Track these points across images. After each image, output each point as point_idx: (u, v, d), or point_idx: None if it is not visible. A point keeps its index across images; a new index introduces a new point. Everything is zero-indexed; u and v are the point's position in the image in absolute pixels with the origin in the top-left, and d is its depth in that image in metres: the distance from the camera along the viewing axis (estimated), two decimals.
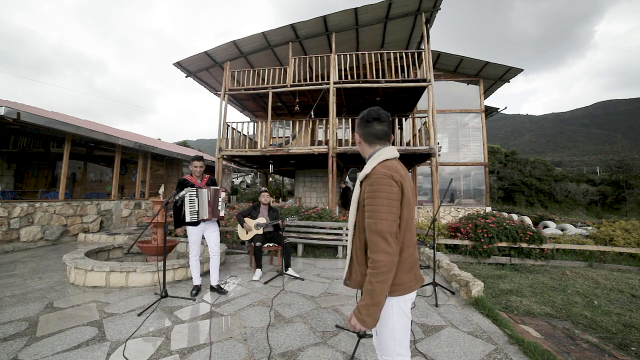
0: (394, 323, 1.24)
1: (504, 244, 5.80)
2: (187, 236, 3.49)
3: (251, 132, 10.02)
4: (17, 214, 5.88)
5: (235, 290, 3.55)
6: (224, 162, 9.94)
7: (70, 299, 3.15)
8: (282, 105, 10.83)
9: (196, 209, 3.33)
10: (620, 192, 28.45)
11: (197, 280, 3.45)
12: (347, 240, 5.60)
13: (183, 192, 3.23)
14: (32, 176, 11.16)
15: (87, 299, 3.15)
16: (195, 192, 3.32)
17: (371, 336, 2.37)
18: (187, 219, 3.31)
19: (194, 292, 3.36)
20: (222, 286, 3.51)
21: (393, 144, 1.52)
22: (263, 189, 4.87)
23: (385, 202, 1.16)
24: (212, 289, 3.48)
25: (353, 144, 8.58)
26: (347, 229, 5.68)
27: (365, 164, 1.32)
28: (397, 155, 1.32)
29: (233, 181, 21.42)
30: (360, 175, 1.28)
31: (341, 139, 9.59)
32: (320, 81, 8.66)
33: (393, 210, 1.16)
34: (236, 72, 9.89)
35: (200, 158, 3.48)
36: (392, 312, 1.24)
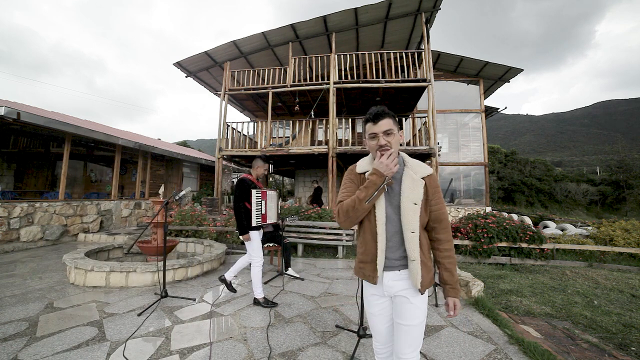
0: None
1: (504, 244, 5.80)
2: (242, 243, 3.24)
3: (251, 132, 10.03)
4: (17, 214, 5.88)
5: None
6: (224, 162, 9.94)
7: (70, 299, 3.15)
8: (282, 105, 10.84)
9: (262, 212, 3.10)
10: (620, 192, 28.46)
11: (262, 293, 3.05)
12: (347, 240, 5.60)
13: (183, 191, 3.23)
14: (32, 176, 11.16)
15: (87, 299, 3.15)
16: (260, 195, 3.09)
17: (371, 336, 2.37)
18: (254, 223, 3.01)
19: (269, 304, 2.99)
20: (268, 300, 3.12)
21: None
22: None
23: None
24: (255, 302, 3.08)
25: (353, 144, 8.59)
26: (347, 229, 5.68)
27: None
28: None
29: (233, 181, 21.44)
30: (421, 172, 1.31)
31: (341, 139, 9.60)
32: (320, 81, 8.66)
33: None
34: (236, 72, 9.90)
35: (267, 159, 3.24)
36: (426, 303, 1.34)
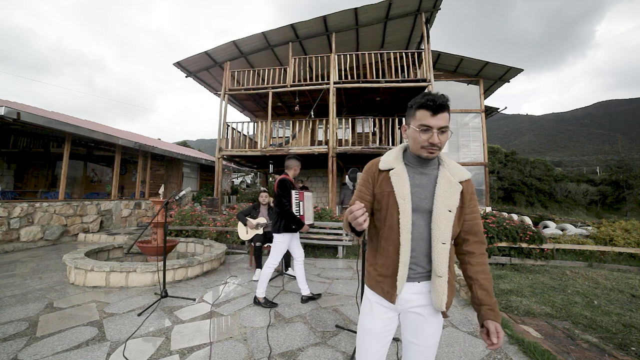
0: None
1: (504, 244, 5.80)
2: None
3: (251, 132, 10.03)
4: (17, 214, 5.88)
5: (235, 290, 3.55)
6: (224, 162, 9.94)
7: (70, 299, 3.15)
8: (282, 105, 10.83)
9: (301, 214, 3.04)
10: (620, 192, 28.46)
11: (263, 293, 3.05)
12: (347, 240, 5.60)
13: (183, 191, 3.23)
14: (32, 176, 11.17)
15: (87, 299, 3.15)
16: (298, 196, 3.06)
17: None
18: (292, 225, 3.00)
19: (268, 305, 3.00)
20: (313, 293, 3.21)
21: (393, 144, 1.37)
22: (262, 189, 4.88)
23: None
24: (303, 300, 3.14)
25: (353, 144, 8.60)
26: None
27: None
28: None
29: (233, 181, 21.43)
30: (460, 175, 1.12)
31: (341, 139, 9.61)
32: (320, 81, 8.66)
33: None
34: (236, 72, 9.90)
35: (299, 158, 3.22)
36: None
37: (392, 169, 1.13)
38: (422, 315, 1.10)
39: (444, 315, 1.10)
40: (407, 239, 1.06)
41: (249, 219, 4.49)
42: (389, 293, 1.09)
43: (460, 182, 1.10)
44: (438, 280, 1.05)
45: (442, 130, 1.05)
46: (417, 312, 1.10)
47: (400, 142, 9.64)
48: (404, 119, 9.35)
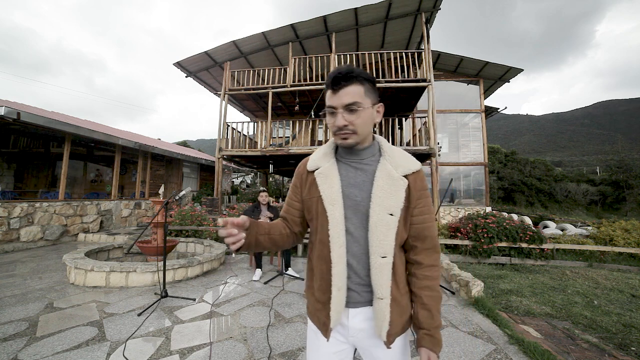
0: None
1: (504, 244, 5.80)
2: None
3: (251, 132, 10.03)
4: (17, 214, 5.88)
5: (235, 290, 3.55)
6: (224, 162, 9.94)
7: (70, 299, 3.15)
8: (282, 105, 10.83)
9: None
10: (620, 192, 28.45)
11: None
12: None
13: (183, 191, 3.23)
14: (32, 176, 11.17)
15: (87, 299, 3.15)
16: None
17: None
18: None
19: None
20: None
21: (393, 143, 1.09)
22: (262, 189, 4.88)
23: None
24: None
25: None
26: None
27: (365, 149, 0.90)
28: None
29: (233, 181, 21.43)
30: (404, 167, 0.88)
31: None
32: (320, 81, 8.66)
33: None
34: (236, 72, 9.90)
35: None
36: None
37: (318, 169, 0.91)
38: (381, 348, 0.86)
39: (387, 344, 0.85)
40: (339, 255, 0.84)
41: (260, 219, 4.47)
42: (324, 325, 0.87)
43: (406, 176, 0.87)
44: (378, 303, 0.83)
45: (350, 108, 0.81)
46: (374, 345, 0.88)
47: (400, 142, 9.65)
48: (403, 119, 9.31)
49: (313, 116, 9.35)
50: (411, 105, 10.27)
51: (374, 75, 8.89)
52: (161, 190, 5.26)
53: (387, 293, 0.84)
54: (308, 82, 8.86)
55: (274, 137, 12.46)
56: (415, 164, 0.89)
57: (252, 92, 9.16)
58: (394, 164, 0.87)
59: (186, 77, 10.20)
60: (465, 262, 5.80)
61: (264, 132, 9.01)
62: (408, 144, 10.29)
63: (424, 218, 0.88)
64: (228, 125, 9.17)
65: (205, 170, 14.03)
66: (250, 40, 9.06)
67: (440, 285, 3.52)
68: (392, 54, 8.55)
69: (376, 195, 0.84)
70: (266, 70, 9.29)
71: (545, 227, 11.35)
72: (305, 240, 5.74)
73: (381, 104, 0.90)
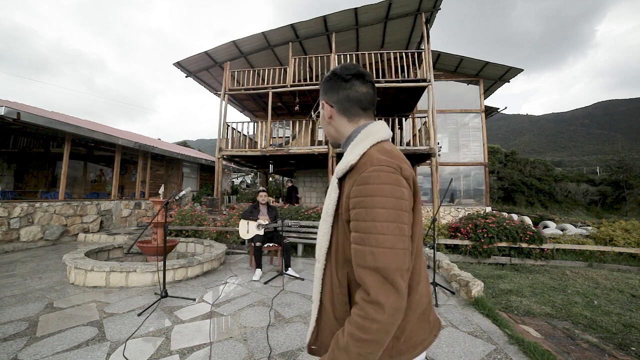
0: None
1: (504, 244, 5.80)
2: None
3: (251, 132, 10.03)
4: (17, 214, 5.88)
5: (235, 290, 3.55)
6: (224, 162, 9.94)
7: (70, 299, 3.15)
8: (282, 105, 10.83)
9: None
10: (620, 192, 28.45)
11: None
12: None
13: (183, 191, 3.24)
14: (32, 176, 11.17)
15: (87, 299, 3.15)
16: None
17: None
18: None
19: None
20: None
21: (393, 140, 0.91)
22: (261, 188, 4.89)
23: (391, 216, 0.64)
24: None
25: None
26: None
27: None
28: (391, 134, 0.82)
29: (233, 181, 21.44)
30: (339, 169, 0.75)
31: None
32: (320, 81, 8.66)
33: (404, 230, 0.65)
34: (236, 72, 9.90)
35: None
36: None
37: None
38: None
39: (309, 351, 0.80)
40: (319, 262, 0.79)
41: (259, 219, 4.46)
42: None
43: (340, 177, 0.75)
44: (313, 310, 0.80)
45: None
46: None
47: (400, 142, 9.64)
48: (403, 119, 9.28)
49: (313, 116, 9.35)
50: (411, 105, 10.27)
51: (374, 75, 8.89)
52: (161, 190, 5.26)
53: (316, 297, 0.79)
54: (308, 82, 8.86)
55: (274, 137, 12.46)
56: (351, 159, 0.72)
57: (252, 92, 9.16)
58: (341, 166, 0.75)
59: (186, 77, 10.20)
60: (465, 262, 5.80)
61: (264, 132, 9.01)
62: (408, 144, 10.28)
63: (354, 236, 0.67)
64: (228, 125, 9.17)
65: (205, 170, 14.03)
66: (250, 40, 9.06)
67: (441, 285, 3.54)
68: (392, 54, 8.54)
69: (326, 197, 0.79)
70: (266, 70, 9.29)
71: (545, 227, 11.35)
72: (303, 240, 5.73)
73: (326, 100, 0.84)
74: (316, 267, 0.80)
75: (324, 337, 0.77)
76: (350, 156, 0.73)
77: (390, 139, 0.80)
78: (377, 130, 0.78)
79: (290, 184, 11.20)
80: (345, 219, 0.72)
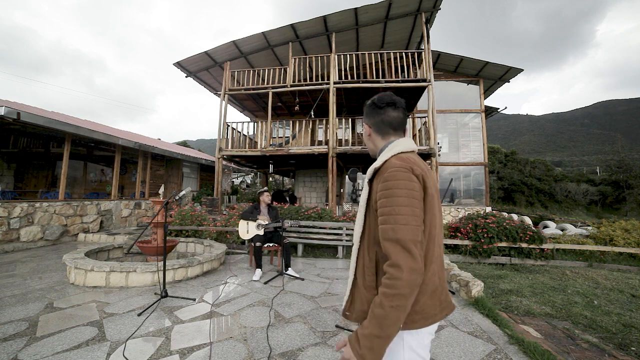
0: None
1: (504, 244, 5.80)
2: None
3: (251, 132, 10.03)
4: (17, 214, 5.88)
5: (235, 290, 3.55)
6: (224, 162, 9.94)
7: (70, 299, 3.15)
8: (282, 105, 10.83)
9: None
10: (620, 192, 28.46)
11: None
12: (347, 240, 5.60)
13: (183, 191, 3.23)
14: (32, 176, 11.16)
15: (87, 299, 3.15)
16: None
17: None
18: None
19: None
20: None
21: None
22: (264, 189, 4.88)
23: (405, 202, 0.87)
24: None
25: (353, 143, 8.59)
26: (347, 229, 5.68)
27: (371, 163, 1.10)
28: (416, 148, 1.07)
29: (233, 181, 21.44)
30: (369, 172, 1.01)
31: (341, 139, 9.60)
32: (320, 81, 8.66)
33: (416, 212, 0.88)
34: (236, 72, 9.90)
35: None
36: (403, 352, 0.92)
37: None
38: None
39: (345, 316, 1.03)
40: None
41: (259, 219, 4.46)
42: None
43: (370, 179, 1.00)
44: (350, 281, 1.04)
45: None
46: None
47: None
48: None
49: (313, 116, 9.35)
50: (411, 105, 10.27)
51: (374, 75, 8.89)
52: (161, 190, 5.27)
53: (352, 272, 1.03)
54: (308, 82, 8.85)
55: (274, 137, 12.46)
56: (374, 165, 1.00)
57: (252, 92, 9.16)
58: (370, 169, 1.01)
59: (186, 77, 10.20)
60: (465, 262, 5.80)
61: (264, 132, 9.01)
62: None
63: (380, 219, 0.90)
64: (228, 125, 9.17)
65: (205, 170, 14.03)
66: (250, 40, 9.06)
67: None
68: (392, 54, 8.54)
69: (361, 194, 1.04)
70: (266, 70, 9.28)
71: (545, 227, 11.35)
72: (303, 240, 5.73)
73: (366, 122, 1.13)
74: (353, 248, 1.05)
75: (356, 305, 0.99)
76: (377, 163, 1.00)
77: (414, 150, 1.04)
78: (399, 144, 1.03)
79: (290, 192, 11.63)
80: (374, 209, 0.96)
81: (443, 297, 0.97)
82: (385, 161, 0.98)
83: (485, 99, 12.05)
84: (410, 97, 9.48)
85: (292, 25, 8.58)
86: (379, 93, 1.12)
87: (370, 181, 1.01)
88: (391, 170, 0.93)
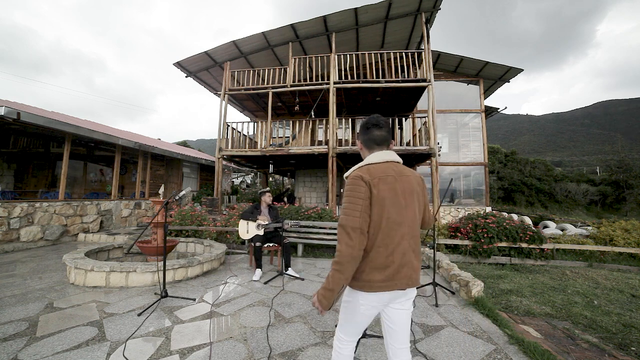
0: (346, 309, 1.36)
1: (504, 244, 5.80)
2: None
3: (251, 132, 10.03)
4: (17, 214, 5.88)
5: (235, 290, 3.55)
6: (224, 162, 9.94)
7: (70, 299, 3.15)
8: (282, 105, 10.83)
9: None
10: (620, 192, 28.44)
11: None
12: None
13: (183, 191, 3.23)
14: (32, 176, 11.17)
15: (87, 299, 3.15)
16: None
17: (372, 336, 2.37)
18: None
19: None
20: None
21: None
22: (266, 189, 4.88)
23: (350, 200, 1.25)
24: None
25: (353, 144, 8.59)
26: None
27: None
28: (388, 159, 1.34)
29: (233, 181, 21.44)
30: (345, 178, 1.40)
31: (341, 139, 9.60)
32: (320, 81, 8.66)
33: (357, 207, 1.23)
34: (236, 72, 9.90)
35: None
36: (352, 303, 1.32)
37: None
38: None
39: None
40: None
41: (259, 219, 4.45)
42: None
43: (346, 176, 1.36)
44: None
45: None
46: None
47: (400, 142, 9.65)
48: (403, 119, 9.29)
49: (313, 116, 9.35)
50: (411, 105, 10.27)
51: (374, 75, 8.89)
52: (161, 190, 5.27)
53: None
54: (308, 82, 8.85)
55: (274, 137, 12.45)
56: (347, 173, 1.36)
57: (252, 92, 9.16)
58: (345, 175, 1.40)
59: (186, 77, 10.20)
60: (465, 262, 5.80)
61: (264, 132, 9.00)
62: (408, 144, 10.28)
63: (341, 211, 1.29)
64: (228, 125, 9.16)
65: (205, 170, 14.03)
66: (250, 40, 9.06)
67: (441, 285, 3.53)
68: (392, 54, 8.54)
69: None
70: (266, 70, 9.28)
71: (545, 227, 11.35)
72: (303, 240, 5.73)
73: (358, 139, 1.48)
74: None
75: None
76: (347, 173, 1.35)
77: (385, 160, 1.34)
78: (370, 158, 1.37)
79: (288, 192, 11.70)
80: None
81: (390, 273, 1.25)
82: (352, 171, 1.34)
83: (485, 99, 12.05)
84: (410, 97, 9.49)
85: (292, 25, 8.58)
86: (369, 116, 1.43)
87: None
88: (349, 178, 1.30)
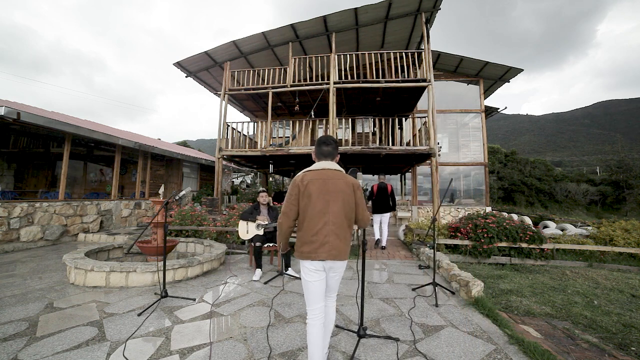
0: (302, 283, 1.88)
1: (504, 244, 5.79)
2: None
3: (251, 132, 10.03)
4: (17, 214, 5.88)
5: (235, 290, 3.55)
6: (224, 162, 9.94)
7: (70, 299, 3.15)
8: (282, 105, 10.83)
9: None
10: (620, 192, 28.46)
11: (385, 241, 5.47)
12: None
13: (183, 191, 3.24)
14: (32, 176, 11.16)
15: (87, 299, 3.15)
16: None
17: (371, 336, 2.37)
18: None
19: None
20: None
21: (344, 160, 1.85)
22: (262, 189, 4.88)
23: (287, 196, 1.87)
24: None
25: (353, 144, 8.60)
26: None
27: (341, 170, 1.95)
28: (325, 167, 1.88)
29: (233, 181, 21.43)
30: None
31: (341, 139, 9.60)
32: (320, 81, 8.66)
33: (290, 200, 1.84)
34: (236, 72, 9.90)
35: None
36: (302, 269, 1.86)
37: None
38: None
39: None
40: None
41: (259, 219, 4.45)
42: None
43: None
44: None
45: None
46: None
47: (400, 142, 9.65)
48: (403, 119, 9.29)
49: (313, 116, 9.35)
50: (411, 105, 10.27)
51: (374, 75, 8.89)
52: (161, 190, 5.27)
53: None
54: (308, 82, 8.85)
55: (274, 137, 12.46)
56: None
57: (252, 92, 9.16)
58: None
59: (186, 77, 10.20)
60: (465, 262, 5.80)
61: (264, 132, 9.01)
62: (408, 144, 10.28)
63: None
64: (228, 125, 9.17)
65: (205, 170, 14.03)
66: (250, 40, 9.06)
67: (441, 285, 3.53)
68: (392, 54, 8.54)
69: None
70: (266, 70, 9.28)
71: (545, 227, 11.35)
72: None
73: (313, 151, 2.04)
74: None
75: None
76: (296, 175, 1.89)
77: (323, 168, 1.89)
78: (312, 166, 1.93)
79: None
80: None
81: (316, 249, 1.77)
82: (297, 175, 1.88)
83: (485, 99, 12.05)
84: (410, 97, 9.49)
85: (292, 25, 8.58)
86: (323, 135, 2.00)
87: None
88: (292, 180, 1.83)
